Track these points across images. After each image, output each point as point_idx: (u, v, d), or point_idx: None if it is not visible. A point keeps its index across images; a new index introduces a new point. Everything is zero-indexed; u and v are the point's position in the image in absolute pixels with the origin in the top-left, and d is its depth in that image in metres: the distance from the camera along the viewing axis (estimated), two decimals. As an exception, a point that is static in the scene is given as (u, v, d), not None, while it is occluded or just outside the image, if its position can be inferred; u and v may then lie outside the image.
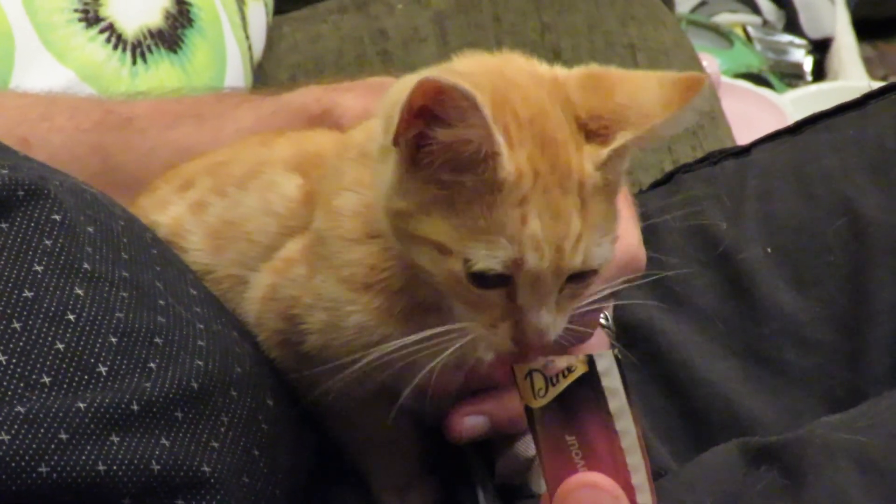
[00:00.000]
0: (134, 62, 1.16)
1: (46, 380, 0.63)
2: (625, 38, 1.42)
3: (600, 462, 0.61)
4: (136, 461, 0.64)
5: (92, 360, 0.65)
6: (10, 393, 0.62)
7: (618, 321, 0.88)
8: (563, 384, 0.62)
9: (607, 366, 0.61)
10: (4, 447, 0.60)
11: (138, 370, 0.66)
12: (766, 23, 2.38)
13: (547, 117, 0.62)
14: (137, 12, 1.18)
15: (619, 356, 0.62)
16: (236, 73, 1.26)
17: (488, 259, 0.61)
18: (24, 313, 0.64)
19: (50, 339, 0.64)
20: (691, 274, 0.92)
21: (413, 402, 0.70)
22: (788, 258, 0.92)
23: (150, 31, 1.18)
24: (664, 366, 0.90)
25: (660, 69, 0.66)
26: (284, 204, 0.76)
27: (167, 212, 0.82)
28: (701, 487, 0.73)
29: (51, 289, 0.66)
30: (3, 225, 0.66)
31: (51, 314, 0.65)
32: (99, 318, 0.67)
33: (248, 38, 1.32)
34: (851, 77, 2.25)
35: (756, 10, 2.39)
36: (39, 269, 0.66)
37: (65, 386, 0.64)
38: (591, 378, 0.61)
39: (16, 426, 0.61)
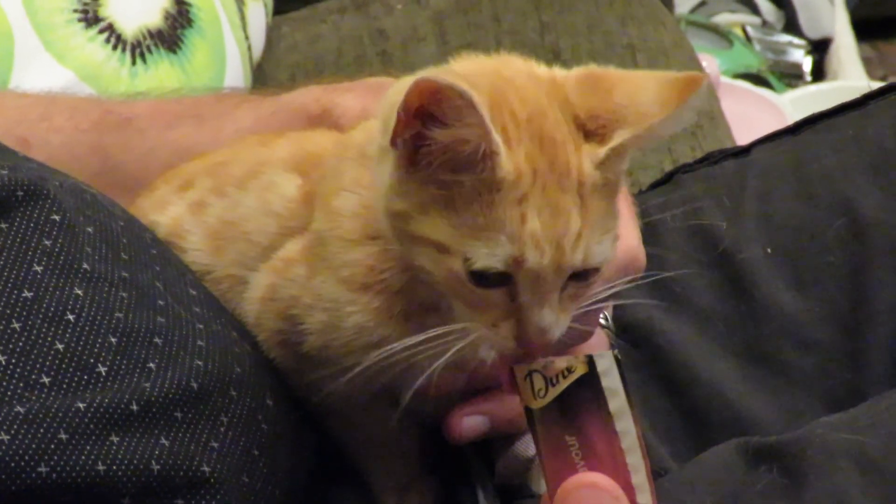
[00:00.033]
0: (133, 62, 1.16)
1: (46, 380, 0.63)
2: (624, 38, 1.41)
3: (600, 462, 0.61)
4: (135, 461, 0.64)
5: (91, 361, 0.65)
6: (9, 393, 0.62)
7: (617, 321, 0.88)
8: (563, 385, 0.62)
9: (607, 366, 0.61)
10: (4, 447, 0.60)
11: (138, 370, 0.66)
12: (765, 23, 2.38)
13: (545, 117, 0.62)
14: (137, 12, 1.18)
15: (619, 356, 0.62)
16: (236, 74, 1.26)
17: (488, 257, 0.61)
18: (24, 313, 0.64)
19: (49, 339, 0.64)
20: (691, 274, 0.92)
21: (414, 402, 0.70)
22: (788, 258, 0.92)
23: (149, 32, 1.18)
24: (664, 366, 0.90)
25: (659, 69, 0.66)
26: (284, 204, 0.76)
27: (166, 212, 0.82)
28: (701, 487, 0.73)
29: (50, 289, 0.66)
30: (3, 225, 0.66)
31: (50, 314, 0.65)
32: (98, 318, 0.67)
33: (247, 38, 1.32)
34: (851, 77, 2.26)
35: (755, 10, 2.39)
36: (39, 269, 0.66)
37: (64, 386, 0.64)
38: (591, 378, 0.61)
39: (15, 426, 0.61)
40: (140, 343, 0.68)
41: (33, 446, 0.61)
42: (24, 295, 0.65)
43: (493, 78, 0.64)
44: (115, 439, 0.64)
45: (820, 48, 2.36)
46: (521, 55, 0.68)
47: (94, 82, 1.12)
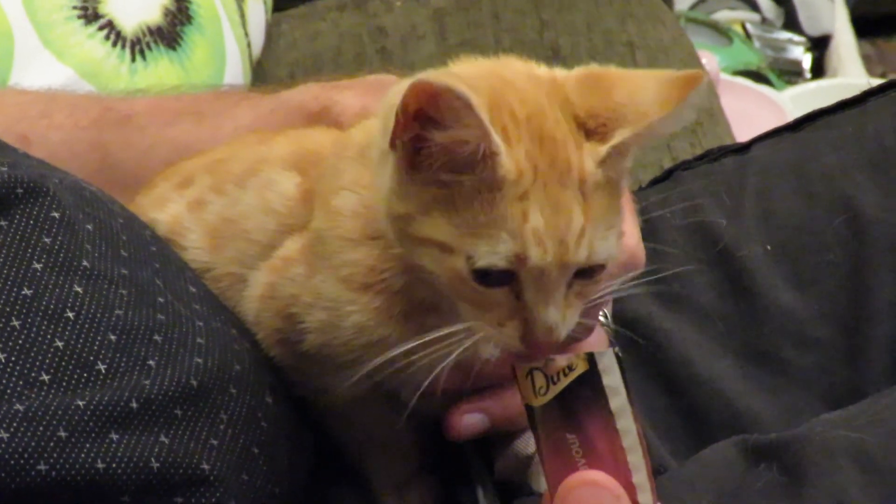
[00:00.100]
0: (133, 59, 1.16)
1: (45, 377, 0.63)
2: (624, 35, 1.41)
3: (601, 460, 0.61)
4: (135, 459, 0.64)
5: (91, 358, 0.65)
6: (9, 391, 0.62)
7: (617, 319, 0.88)
8: (564, 382, 0.62)
9: (608, 364, 0.61)
10: (3, 445, 0.60)
11: (137, 368, 0.66)
12: (765, 20, 2.38)
13: (545, 116, 0.62)
14: (136, 9, 1.18)
15: (619, 354, 0.62)
16: (235, 71, 1.26)
17: (490, 255, 0.61)
18: (24, 311, 0.64)
19: (49, 336, 0.64)
20: (691, 271, 0.92)
21: (420, 403, 0.70)
22: (788, 256, 0.92)
23: (149, 29, 1.18)
24: (663, 364, 0.90)
25: (659, 67, 0.66)
26: (283, 202, 0.76)
27: (166, 209, 0.82)
28: (700, 485, 0.73)
29: (50, 286, 0.66)
30: (3, 222, 0.66)
31: (50, 312, 0.65)
32: (98, 315, 0.67)
33: (247, 35, 1.32)
34: (850, 74, 2.26)
35: (755, 7, 2.39)
36: (38, 266, 0.66)
37: (64, 384, 0.63)
38: (591, 376, 0.61)
39: (15, 424, 0.61)
40: (140, 340, 0.67)
41: (33, 444, 0.61)
42: (23, 292, 0.65)
43: (492, 79, 0.64)
44: (114, 437, 0.64)
45: (820, 45, 2.36)
46: (520, 53, 0.68)
47: (94, 79, 1.12)
